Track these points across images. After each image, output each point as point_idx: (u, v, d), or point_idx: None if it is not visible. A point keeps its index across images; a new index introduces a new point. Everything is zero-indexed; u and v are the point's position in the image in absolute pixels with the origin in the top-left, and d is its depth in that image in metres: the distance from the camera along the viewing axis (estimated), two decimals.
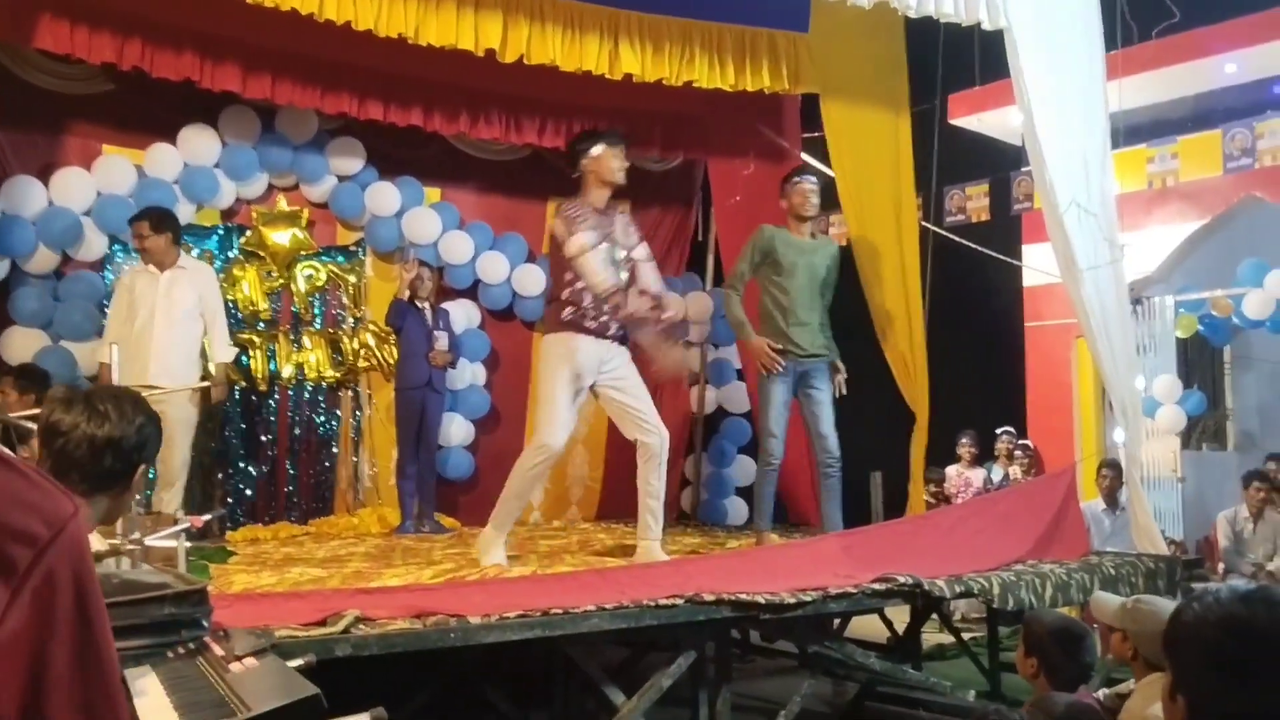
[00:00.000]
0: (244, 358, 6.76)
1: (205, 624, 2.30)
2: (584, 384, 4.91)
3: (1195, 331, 8.65)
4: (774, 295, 5.52)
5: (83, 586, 0.97)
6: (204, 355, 6.08)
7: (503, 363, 7.59)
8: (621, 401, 4.97)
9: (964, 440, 8.94)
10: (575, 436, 7.85)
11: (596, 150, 4.93)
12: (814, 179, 5.68)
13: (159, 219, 5.80)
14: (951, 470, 8.84)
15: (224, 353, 6.06)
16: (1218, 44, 8.18)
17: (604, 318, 4.88)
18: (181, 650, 2.17)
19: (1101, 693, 3.66)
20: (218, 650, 2.13)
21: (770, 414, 5.50)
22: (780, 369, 5.50)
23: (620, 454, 8.01)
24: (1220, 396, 9.39)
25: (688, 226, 8.28)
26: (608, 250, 4.90)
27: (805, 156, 7.43)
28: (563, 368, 4.84)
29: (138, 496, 5.65)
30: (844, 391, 5.72)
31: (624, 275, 4.98)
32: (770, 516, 5.70)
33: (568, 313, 4.87)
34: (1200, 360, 9.34)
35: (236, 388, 6.81)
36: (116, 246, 6.44)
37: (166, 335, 5.69)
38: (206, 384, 6.41)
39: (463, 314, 7.31)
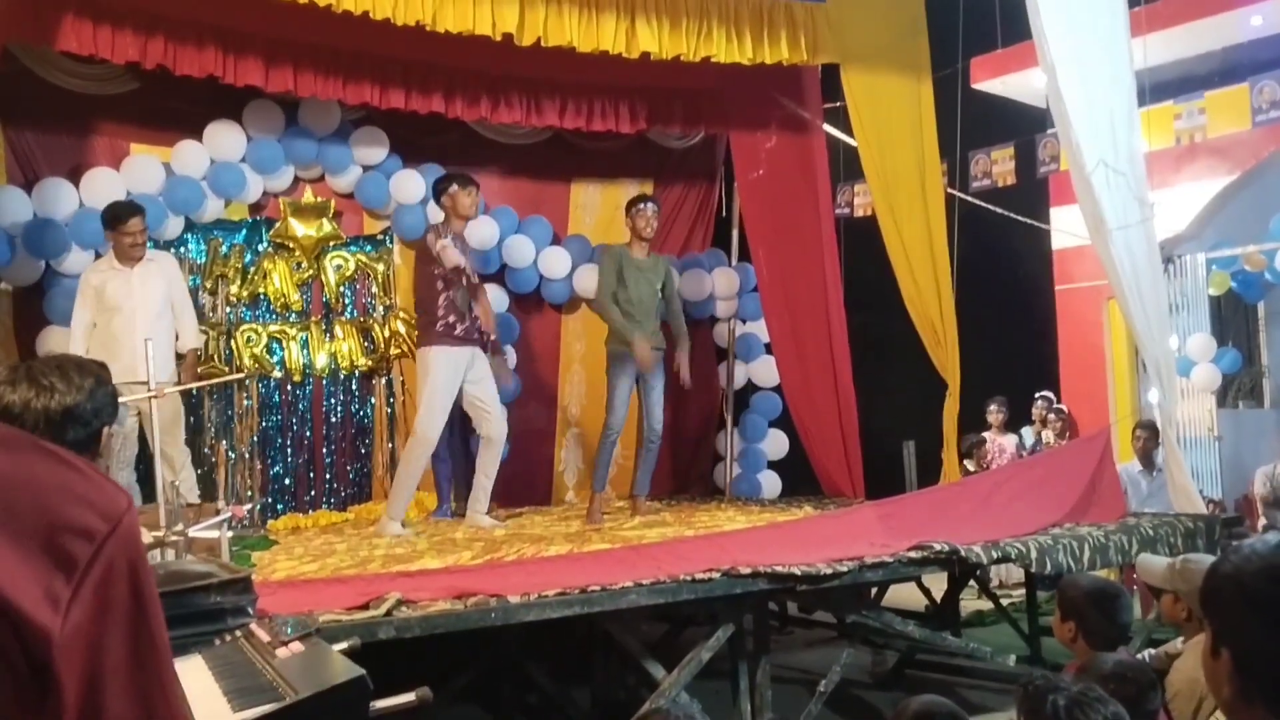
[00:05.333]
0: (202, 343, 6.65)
1: (250, 611, 2.34)
2: (455, 385, 5.81)
3: (1228, 288, 8.54)
4: (620, 305, 6.21)
5: (138, 578, 0.98)
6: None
7: (532, 345, 7.62)
8: (478, 401, 5.93)
9: (992, 406, 8.87)
10: None
11: (453, 189, 5.86)
12: (655, 206, 6.38)
13: (143, 213, 5.73)
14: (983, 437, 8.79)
15: (194, 339, 6.02)
16: None
17: (467, 324, 5.79)
18: (228, 637, 2.22)
19: (1148, 653, 3.65)
20: (263, 636, 2.17)
21: (614, 400, 6.28)
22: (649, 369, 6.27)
23: None
24: (1255, 353, 9.27)
25: (711, 202, 8.26)
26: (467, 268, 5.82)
27: (827, 127, 7.39)
28: (439, 376, 5.73)
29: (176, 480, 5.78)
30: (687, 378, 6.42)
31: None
32: (605, 480, 6.40)
33: (439, 326, 5.75)
34: (1234, 317, 9.22)
35: (272, 379, 6.88)
36: (149, 244, 6.48)
37: (148, 330, 5.46)
38: (241, 375, 6.48)
39: (490, 298, 7.31)
